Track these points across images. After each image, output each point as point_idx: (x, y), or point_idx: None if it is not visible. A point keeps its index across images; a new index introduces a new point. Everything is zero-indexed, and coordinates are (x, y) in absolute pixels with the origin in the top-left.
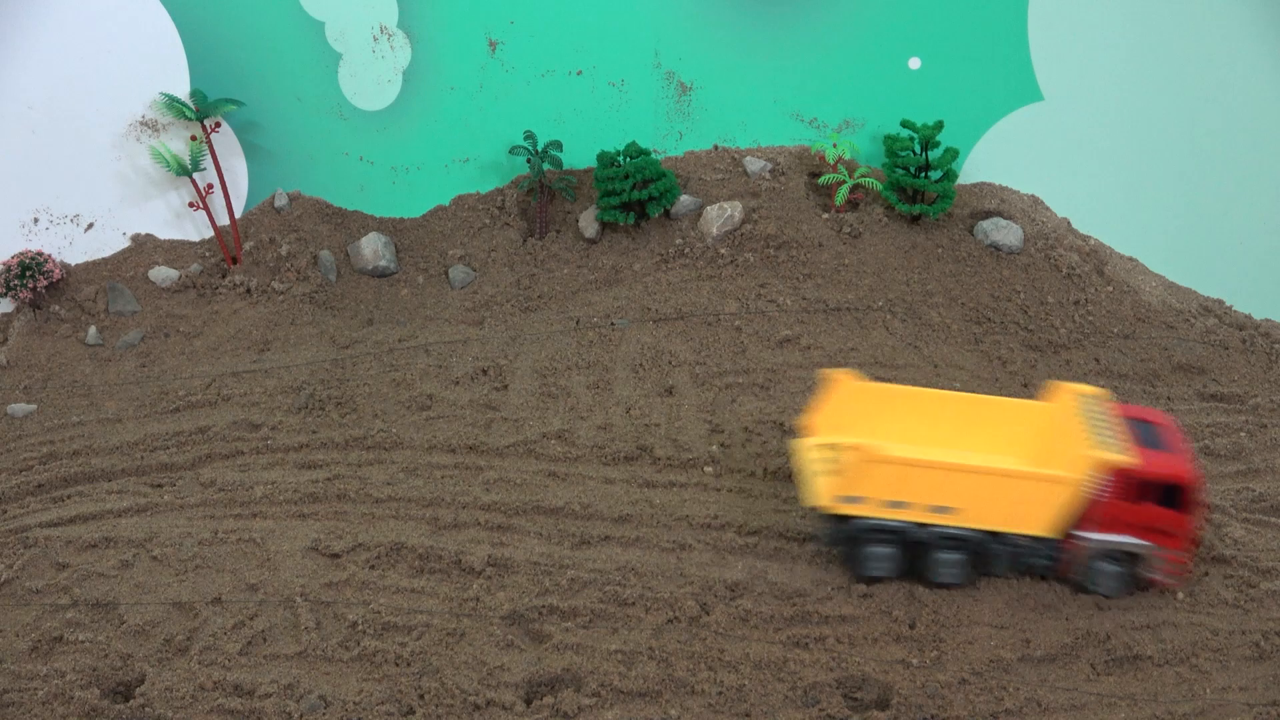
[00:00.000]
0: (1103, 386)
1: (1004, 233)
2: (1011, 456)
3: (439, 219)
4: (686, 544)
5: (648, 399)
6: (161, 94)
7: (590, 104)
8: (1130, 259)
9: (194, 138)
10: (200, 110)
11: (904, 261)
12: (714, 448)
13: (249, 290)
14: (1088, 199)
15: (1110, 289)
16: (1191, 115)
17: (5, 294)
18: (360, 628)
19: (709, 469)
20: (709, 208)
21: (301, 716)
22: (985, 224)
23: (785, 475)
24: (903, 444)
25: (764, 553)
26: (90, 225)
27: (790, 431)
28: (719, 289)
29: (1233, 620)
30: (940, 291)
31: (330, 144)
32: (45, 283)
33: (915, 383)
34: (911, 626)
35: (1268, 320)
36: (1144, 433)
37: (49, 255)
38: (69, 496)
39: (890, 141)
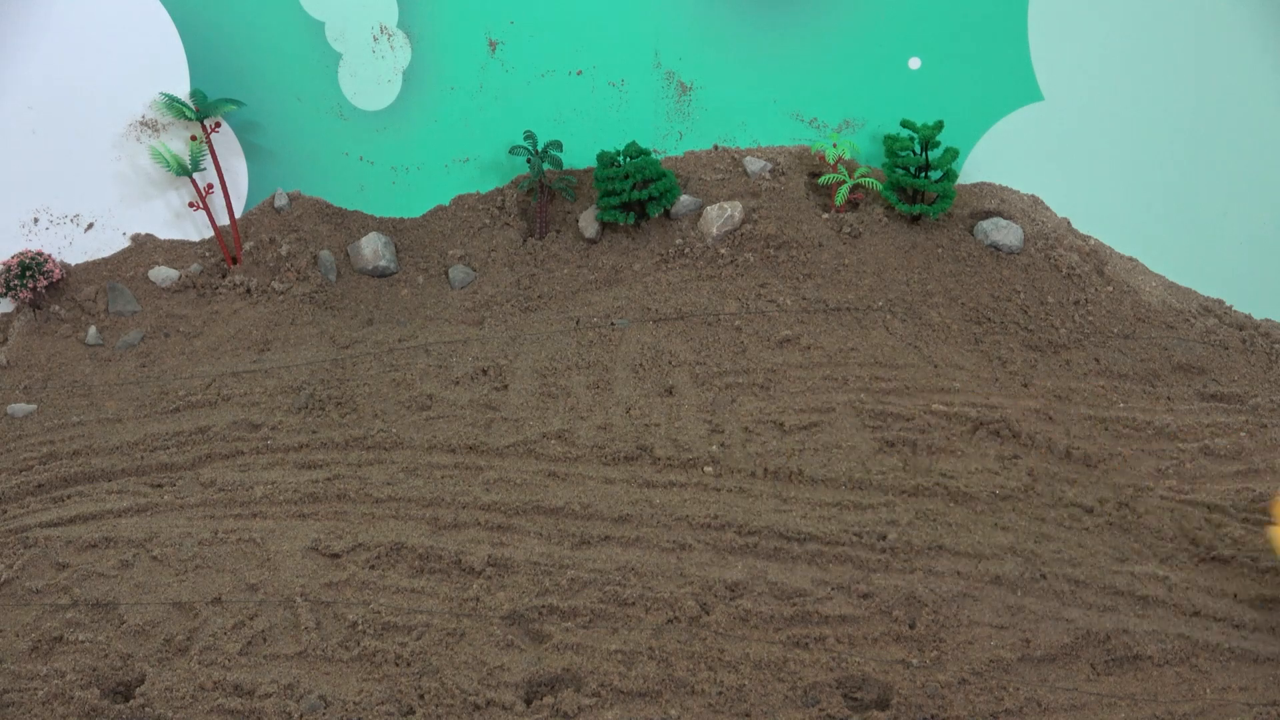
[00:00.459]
0: (1103, 386)
1: (1004, 233)
2: None
3: (439, 219)
4: (686, 544)
5: (648, 399)
6: (161, 94)
7: (590, 104)
8: (1130, 259)
9: (194, 138)
10: (200, 110)
11: (904, 261)
12: (714, 448)
13: (249, 290)
14: (1088, 199)
15: (1110, 289)
16: (1191, 115)
17: (5, 294)
18: (360, 628)
19: (709, 469)
20: (709, 208)
21: (301, 716)
22: (985, 224)
23: (785, 475)
24: None
25: (764, 553)
26: (90, 225)
27: (789, 432)
28: (719, 289)
29: (1232, 619)
30: (940, 291)
31: (330, 144)
32: (45, 283)
33: (915, 382)
34: (911, 626)
35: (1268, 320)
36: None
37: (49, 255)
38: (69, 496)
39: (890, 141)
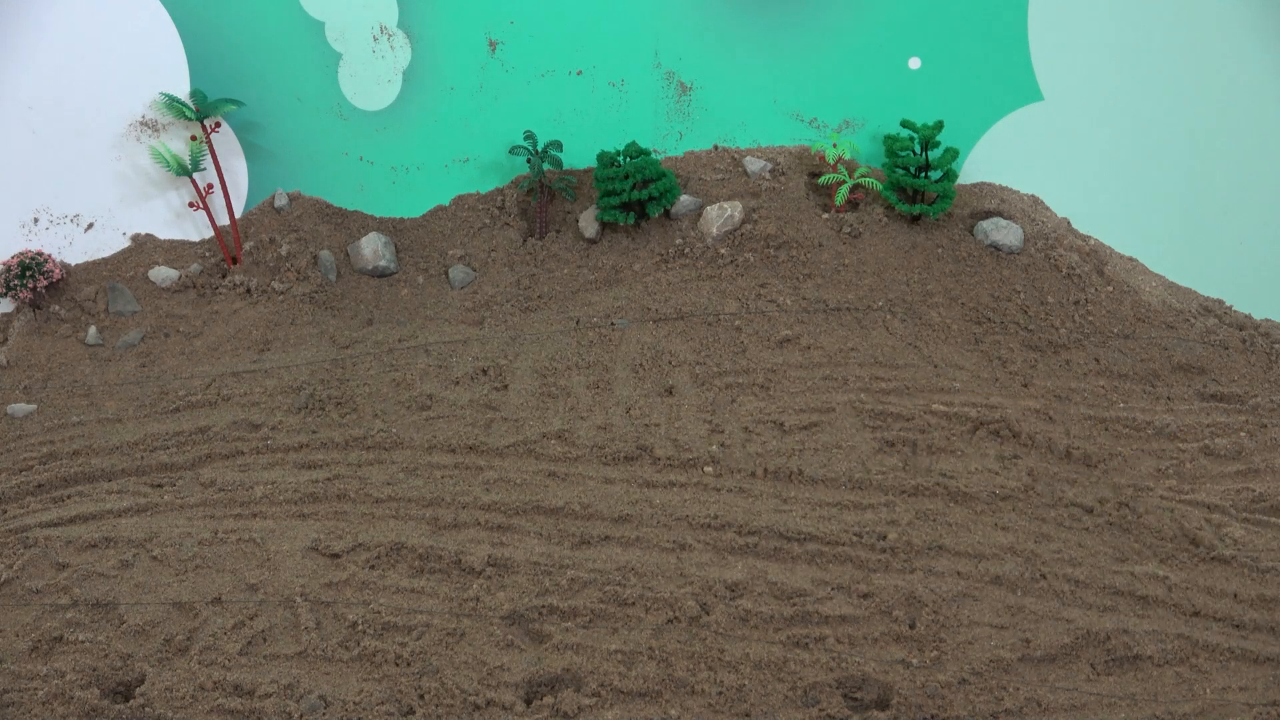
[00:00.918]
0: (1103, 386)
1: (1004, 233)
2: None
3: (439, 219)
4: (686, 544)
5: (647, 399)
6: (161, 94)
7: (590, 104)
8: (1130, 259)
9: (194, 138)
10: (200, 110)
11: (904, 261)
12: (714, 448)
13: (249, 290)
14: (1087, 199)
15: (1110, 289)
16: (1191, 115)
17: (5, 294)
18: (360, 628)
19: (709, 469)
20: (709, 208)
21: (301, 716)
22: (985, 224)
23: (785, 475)
24: None
25: (764, 553)
26: (90, 225)
27: (789, 432)
28: (719, 289)
29: (1232, 619)
30: (940, 291)
31: (330, 144)
32: (45, 283)
33: (915, 382)
34: (911, 626)
35: (1268, 320)
36: None
37: (49, 255)
38: (69, 496)
39: (890, 141)
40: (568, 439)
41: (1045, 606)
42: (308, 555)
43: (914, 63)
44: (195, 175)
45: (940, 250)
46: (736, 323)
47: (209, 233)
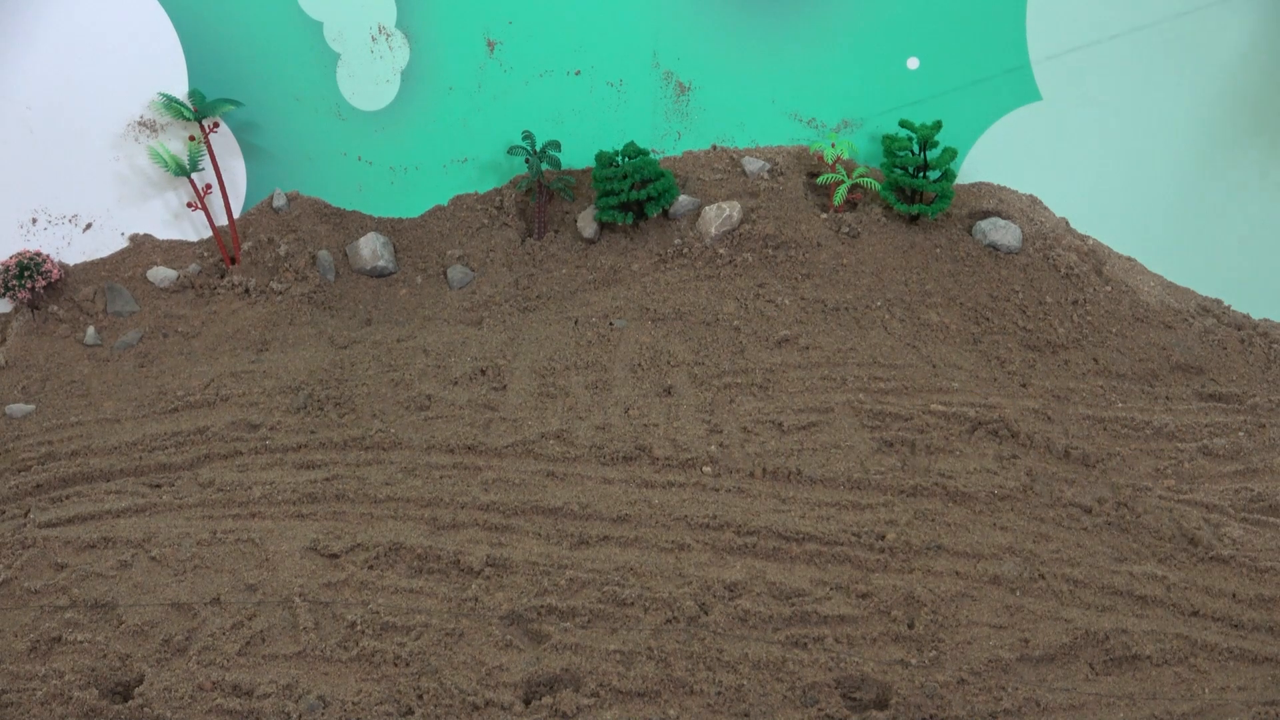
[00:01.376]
0: (1101, 386)
1: (1002, 233)
2: None
3: (437, 219)
4: (685, 544)
5: (646, 399)
6: (160, 94)
7: (588, 104)
8: (1128, 259)
9: (192, 138)
10: (199, 110)
11: (902, 261)
12: (712, 448)
13: (247, 290)
14: (1086, 199)
15: (1109, 289)
16: (1191, 115)
17: (3, 294)
18: (359, 628)
19: (707, 469)
20: (707, 208)
21: (300, 716)
22: (983, 224)
23: (784, 475)
24: None
25: (763, 553)
26: (88, 225)
27: (788, 432)
28: (717, 289)
29: (1230, 619)
30: (939, 291)
31: (329, 144)
32: (43, 283)
33: (913, 382)
34: (910, 626)
35: (1266, 320)
36: None
37: (47, 255)
38: (67, 497)
39: (889, 141)
40: (566, 439)
41: (1044, 606)
42: (306, 555)
43: (912, 63)
44: (194, 175)
45: (939, 250)
46: (735, 323)
47: (207, 233)
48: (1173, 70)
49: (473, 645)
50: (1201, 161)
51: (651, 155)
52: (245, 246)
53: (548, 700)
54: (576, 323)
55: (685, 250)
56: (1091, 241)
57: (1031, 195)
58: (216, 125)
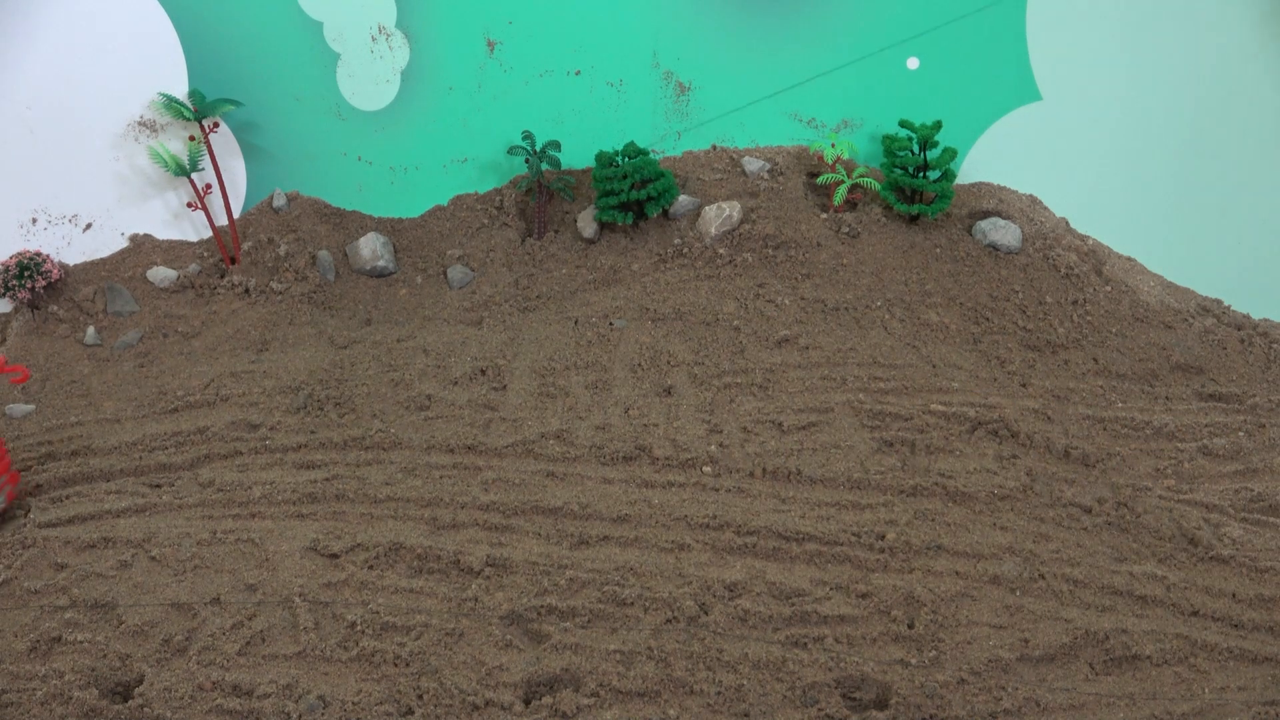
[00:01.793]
0: (1101, 386)
1: (1002, 233)
2: None
3: (437, 219)
4: (685, 544)
5: (646, 399)
6: (160, 94)
7: (588, 104)
8: (1128, 259)
9: (192, 138)
10: (199, 110)
11: (902, 261)
12: (712, 448)
13: (247, 290)
14: (1086, 199)
15: (1109, 289)
16: (1190, 115)
17: (3, 294)
18: (359, 628)
19: (707, 469)
20: (707, 208)
21: (300, 717)
22: (983, 224)
23: (784, 475)
24: None
25: (763, 552)
26: (88, 225)
27: (787, 432)
28: (717, 289)
29: (1229, 619)
30: (939, 291)
31: (328, 144)
32: (43, 283)
33: (913, 382)
34: (910, 626)
35: (1266, 320)
36: None
37: (47, 255)
38: (67, 497)
39: (888, 141)
40: (566, 439)
41: (1044, 606)
42: (306, 555)
43: (912, 62)
44: (194, 175)
45: (939, 250)
46: (735, 323)
47: (207, 233)
48: (1172, 70)
49: (473, 645)
50: (1201, 162)
51: (651, 155)
52: (245, 246)
53: (548, 700)
54: (576, 323)
55: (685, 250)
56: (1091, 241)
57: (1031, 195)
58: (216, 125)
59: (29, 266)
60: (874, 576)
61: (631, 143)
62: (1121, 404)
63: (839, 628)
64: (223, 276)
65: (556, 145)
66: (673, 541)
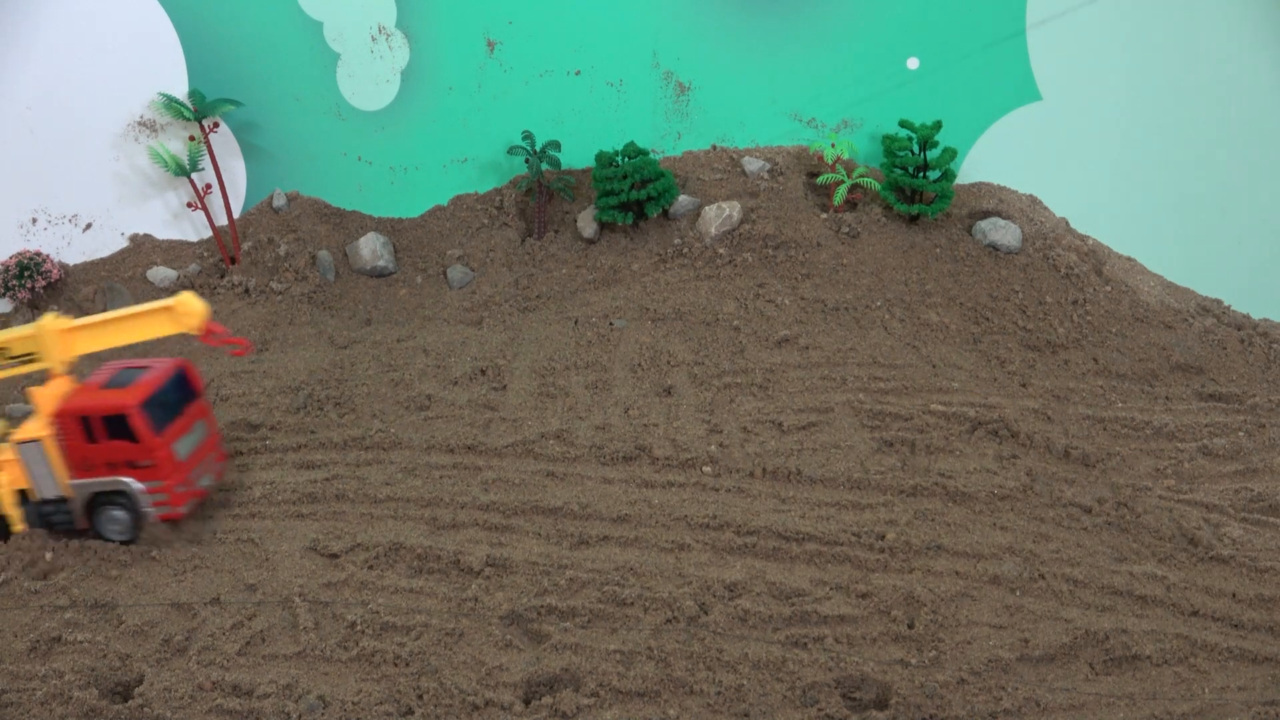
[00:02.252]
0: (1101, 386)
1: (1002, 233)
2: None
3: (437, 219)
4: (685, 544)
5: (646, 399)
6: (160, 94)
7: (588, 104)
8: (1128, 259)
9: (192, 138)
10: (199, 110)
11: (902, 261)
12: (712, 448)
13: (247, 290)
14: (1086, 199)
15: (1108, 289)
16: (1190, 115)
17: (4, 294)
18: (359, 628)
19: (707, 469)
20: (707, 208)
21: (300, 716)
22: (983, 224)
23: (784, 475)
24: None
25: (762, 552)
26: (88, 225)
27: (787, 432)
28: (717, 289)
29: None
30: (939, 291)
31: (328, 144)
32: (43, 283)
33: (913, 382)
34: (910, 626)
35: (1266, 320)
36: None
37: (47, 255)
38: None
39: (888, 141)
40: (566, 439)
41: (1044, 606)
42: (306, 555)
43: (912, 63)
44: (194, 175)
45: (939, 250)
46: (735, 323)
47: (207, 233)
48: (1172, 70)
49: (473, 645)
50: (1201, 162)
51: (651, 155)
52: (245, 246)
53: (548, 700)
54: (576, 323)
55: (685, 250)
56: (1091, 241)
57: (1031, 195)
58: (216, 125)
59: (29, 266)
60: (874, 576)
61: (631, 143)
62: (1121, 404)
63: (839, 628)
64: (223, 276)
65: (556, 145)
66: (673, 541)
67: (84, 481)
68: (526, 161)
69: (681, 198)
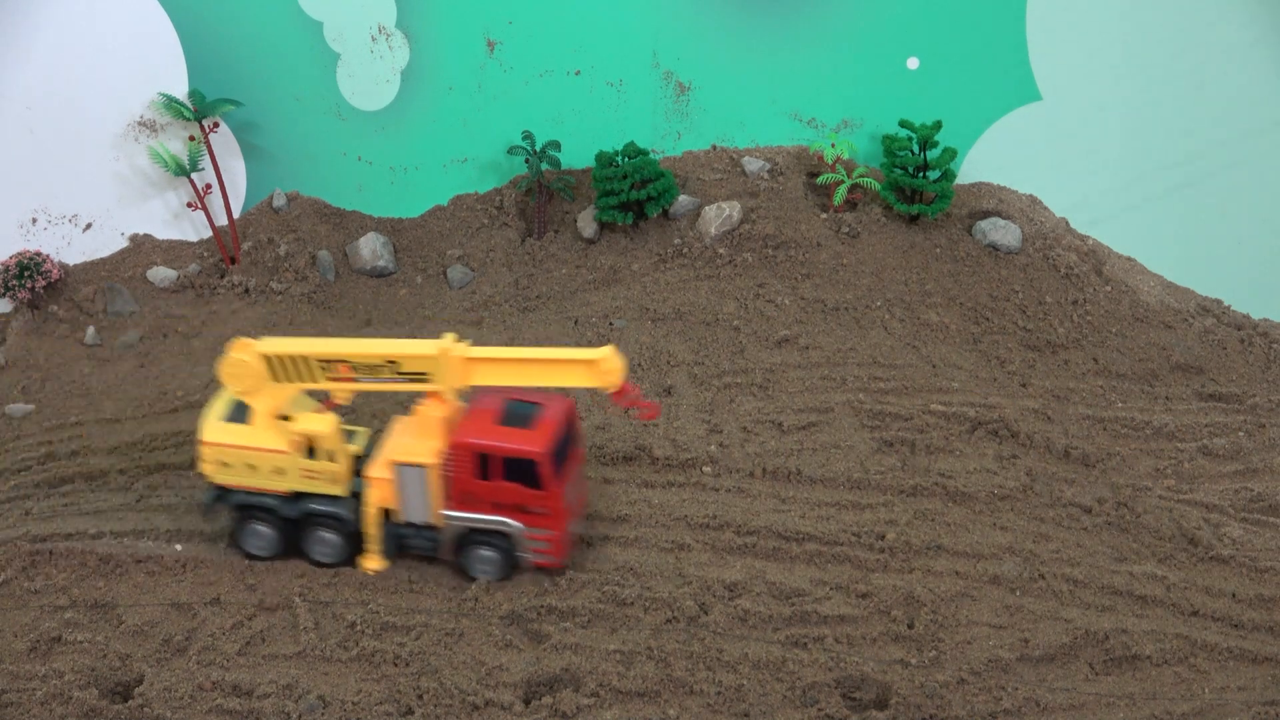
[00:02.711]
0: (1101, 386)
1: (1002, 233)
2: None
3: (437, 219)
4: (685, 544)
5: (646, 399)
6: (160, 94)
7: (588, 104)
8: (1128, 259)
9: (192, 138)
10: (199, 110)
11: (902, 261)
12: (712, 448)
13: (247, 290)
14: (1086, 199)
15: (1108, 289)
16: (1190, 115)
17: (4, 294)
18: (359, 628)
19: (707, 469)
20: (707, 208)
21: (300, 716)
22: (983, 224)
23: (784, 475)
24: None
25: (763, 552)
26: (89, 225)
27: (787, 431)
28: (717, 289)
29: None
30: (939, 291)
31: (328, 144)
32: (43, 283)
33: (913, 382)
34: (910, 626)
35: (1265, 320)
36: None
37: (47, 255)
38: (67, 496)
39: (889, 141)
40: None
41: (1044, 606)
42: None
43: (912, 63)
44: (194, 175)
45: (938, 250)
46: (735, 323)
47: (207, 233)
48: (1172, 70)
49: (473, 645)
50: (1201, 162)
51: (651, 155)
52: (245, 246)
53: (548, 700)
54: (576, 323)
55: (685, 250)
56: (1091, 241)
57: (1031, 195)
58: (216, 125)
59: (29, 266)
60: (874, 576)
61: (631, 143)
62: (1121, 404)
63: (839, 628)
64: (223, 276)
65: (556, 145)
66: (673, 541)
67: (462, 515)
68: (526, 161)
69: (681, 198)
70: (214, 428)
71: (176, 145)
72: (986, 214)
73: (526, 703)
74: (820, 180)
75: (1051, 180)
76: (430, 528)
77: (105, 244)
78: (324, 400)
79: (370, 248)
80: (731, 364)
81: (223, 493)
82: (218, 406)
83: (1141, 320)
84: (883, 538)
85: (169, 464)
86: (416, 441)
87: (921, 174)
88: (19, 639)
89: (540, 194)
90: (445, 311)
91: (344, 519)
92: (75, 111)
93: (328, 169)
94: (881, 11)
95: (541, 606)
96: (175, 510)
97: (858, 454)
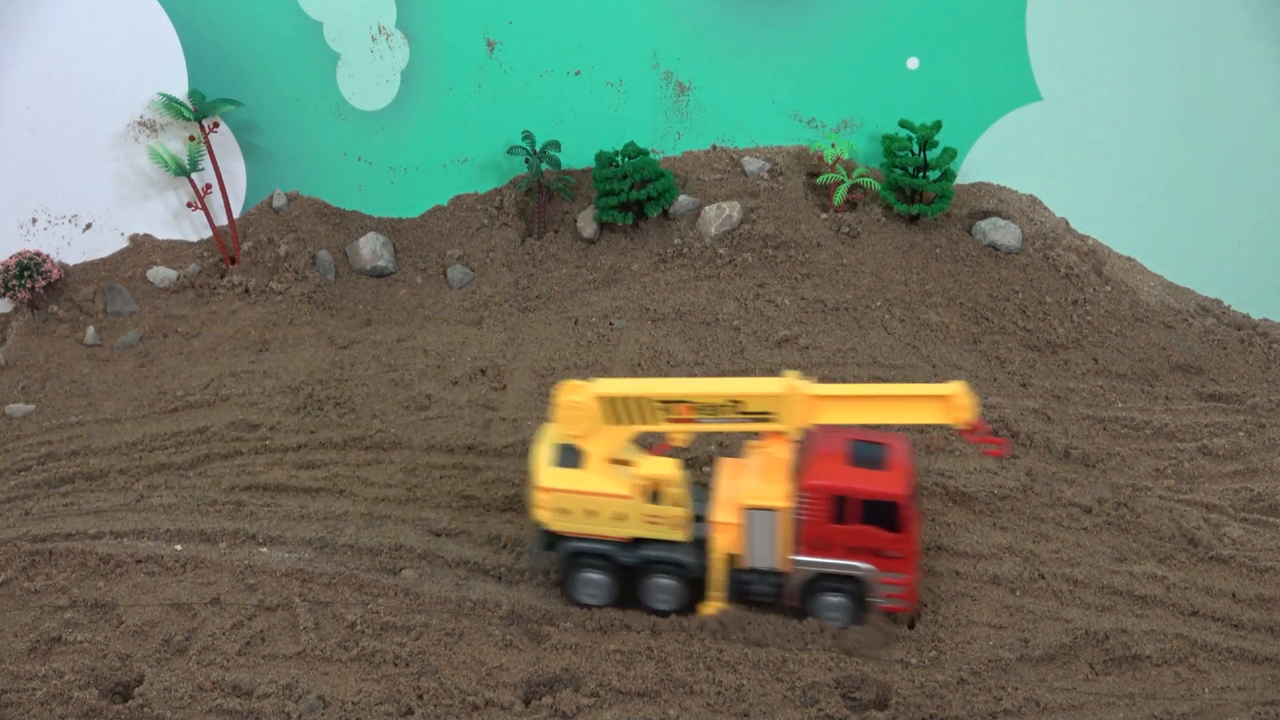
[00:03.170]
0: (1101, 386)
1: (1002, 233)
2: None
3: (437, 219)
4: None
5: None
6: (160, 94)
7: (588, 104)
8: (1128, 259)
9: (192, 138)
10: (199, 110)
11: (902, 261)
12: (712, 447)
13: (247, 290)
14: (1086, 199)
15: (1109, 289)
16: (1190, 115)
17: (3, 294)
18: (359, 628)
19: (708, 469)
20: (707, 208)
21: (300, 716)
22: (983, 224)
23: None
24: None
25: None
26: (88, 225)
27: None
28: (717, 289)
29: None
30: (939, 291)
31: (328, 144)
32: (43, 283)
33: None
34: (910, 626)
35: (1266, 320)
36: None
37: (47, 255)
38: (67, 496)
39: (888, 141)
40: None
41: (1044, 606)
42: (306, 555)
43: (912, 63)
44: (194, 175)
45: (938, 250)
46: (735, 323)
47: (207, 233)
48: (1172, 70)
49: (473, 645)
50: (1201, 162)
51: (651, 155)
52: (245, 246)
53: (548, 700)
54: (576, 323)
55: (685, 250)
56: (1091, 241)
57: (1031, 195)
58: (216, 125)
59: (29, 266)
60: None
61: (631, 142)
62: (1121, 404)
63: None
64: (223, 276)
65: (556, 145)
66: None
67: (812, 560)
68: (526, 161)
69: (681, 198)
70: (549, 473)
71: (176, 145)
72: (986, 214)
73: (526, 703)
74: (820, 180)
75: (1051, 180)
76: (775, 573)
77: (105, 244)
78: (658, 444)
79: (370, 248)
80: (731, 364)
81: (552, 540)
82: (544, 451)
83: (1141, 320)
84: None
85: (169, 464)
86: (763, 484)
87: (921, 174)
88: (19, 639)
89: (540, 194)
90: (445, 311)
91: (686, 565)
92: (75, 111)
93: (328, 169)
94: (881, 11)
95: (541, 606)
96: (175, 510)
97: None
